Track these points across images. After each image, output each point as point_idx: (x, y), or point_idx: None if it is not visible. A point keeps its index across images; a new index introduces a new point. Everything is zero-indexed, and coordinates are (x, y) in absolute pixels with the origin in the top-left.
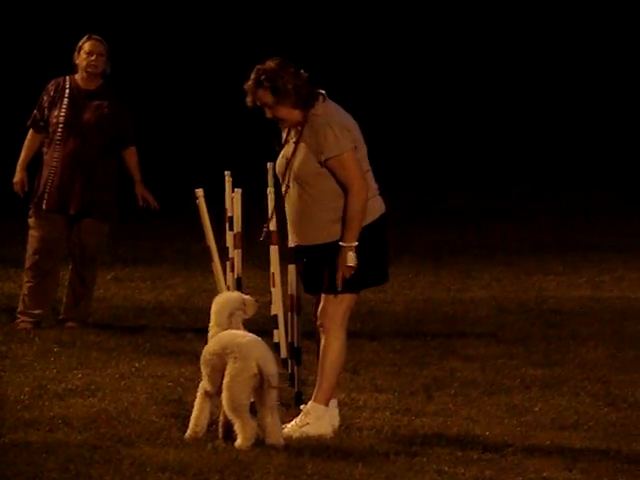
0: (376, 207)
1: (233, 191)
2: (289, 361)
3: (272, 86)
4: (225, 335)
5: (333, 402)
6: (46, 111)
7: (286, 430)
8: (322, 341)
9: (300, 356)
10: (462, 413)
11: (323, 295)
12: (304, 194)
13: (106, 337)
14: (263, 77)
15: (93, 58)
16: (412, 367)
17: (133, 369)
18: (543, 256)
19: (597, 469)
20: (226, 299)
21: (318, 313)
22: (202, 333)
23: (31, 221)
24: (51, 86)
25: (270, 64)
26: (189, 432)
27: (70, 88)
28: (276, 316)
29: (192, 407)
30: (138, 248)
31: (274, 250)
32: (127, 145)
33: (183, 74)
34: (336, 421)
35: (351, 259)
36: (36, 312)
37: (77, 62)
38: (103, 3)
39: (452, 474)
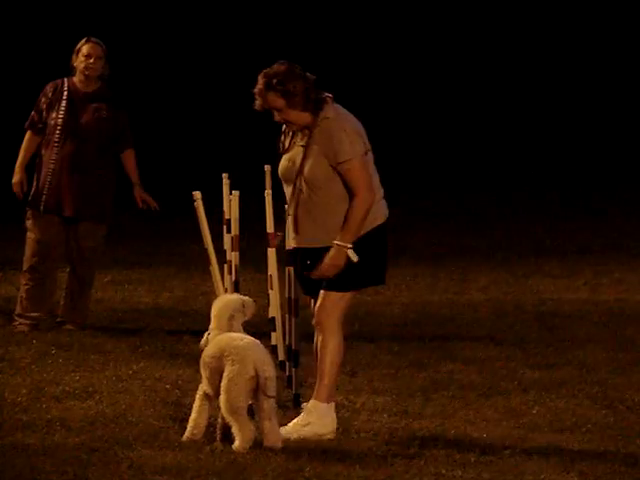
0: (382, 210)
1: (231, 193)
2: (287, 363)
3: (283, 90)
4: (223, 338)
5: (331, 404)
6: (44, 113)
7: (288, 429)
8: (319, 339)
9: (298, 358)
10: (460, 415)
11: (322, 292)
12: (314, 197)
13: (104, 339)
14: (275, 81)
15: (91, 61)
16: (410, 369)
17: (131, 371)
18: (541, 258)
19: (595, 471)
20: (226, 302)
21: (315, 311)
22: (200, 335)
23: (29, 223)
24: (49, 88)
25: (279, 68)
26: (187, 434)
27: (68, 90)
28: (274, 318)
29: (190, 409)
30: (136, 250)
31: (272, 252)
32: (125, 148)
33: (181, 77)
34: (334, 424)
35: (352, 255)
36: (34, 314)
37: (75, 64)
38: (101, 6)
39: (450, 476)
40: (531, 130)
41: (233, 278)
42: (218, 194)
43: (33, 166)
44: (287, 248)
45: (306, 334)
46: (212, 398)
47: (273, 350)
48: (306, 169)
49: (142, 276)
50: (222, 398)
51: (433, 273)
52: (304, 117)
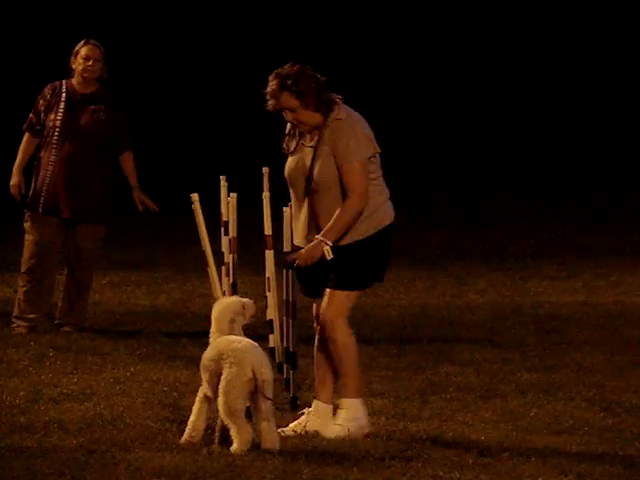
0: (389, 212)
1: (228, 196)
2: (284, 366)
3: (297, 90)
4: (222, 341)
5: (328, 407)
6: (42, 115)
7: (335, 430)
8: (329, 340)
9: (296, 361)
10: (458, 418)
11: (329, 291)
12: (324, 198)
13: (101, 342)
14: (289, 82)
15: (90, 63)
16: (408, 372)
17: (128, 373)
18: (538, 261)
19: (593, 474)
20: (226, 305)
21: (321, 310)
22: (198, 338)
23: (27, 225)
24: (47, 90)
25: (292, 69)
26: (185, 436)
27: (67, 92)
28: (271, 321)
29: (188, 412)
30: (133, 253)
31: (269, 255)
32: (123, 150)
33: (180, 80)
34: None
35: (328, 252)
36: (31, 316)
37: (74, 67)
38: (100, 9)
39: (447, 479)
40: (529, 133)
41: (231, 280)
42: (216, 196)
43: (31, 168)
44: (292, 248)
45: (304, 336)
46: (212, 401)
47: (271, 352)
48: (316, 170)
49: (140, 278)
50: (220, 400)
51: (431, 276)
52: (316, 118)
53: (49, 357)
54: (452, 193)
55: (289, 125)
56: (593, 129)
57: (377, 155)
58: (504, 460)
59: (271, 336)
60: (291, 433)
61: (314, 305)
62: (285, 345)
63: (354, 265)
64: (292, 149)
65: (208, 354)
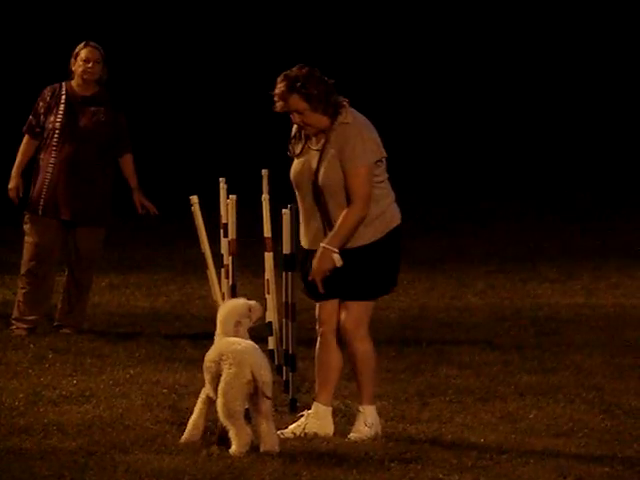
0: (396, 213)
1: (228, 198)
2: (284, 368)
3: (306, 93)
4: (222, 342)
5: (328, 410)
6: (42, 117)
7: (358, 435)
8: (350, 351)
9: (295, 363)
10: (457, 420)
11: (348, 303)
12: (331, 201)
13: (101, 344)
14: (298, 84)
15: (90, 65)
16: (407, 374)
17: (128, 376)
18: (538, 263)
19: (592, 476)
20: (232, 307)
21: (341, 322)
22: (197, 340)
23: (26, 227)
24: (47, 92)
25: (300, 71)
26: (185, 435)
27: (66, 94)
28: (271, 323)
29: (187, 414)
30: (133, 255)
31: (268, 257)
32: (123, 152)
33: (179, 82)
34: (331, 428)
35: (337, 260)
36: (31, 318)
37: (73, 69)
38: (99, 11)
39: None
40: (528, 136)
41: (230, 282)
42: (215, 198)
43: (31, 170)
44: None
45: (303, 339)
46: (214, 402)
47: (270, 354)
48: (322, 173)
49: (139, 280)
50: (219, 402)
51: (430, 278)
52: (323, 121)
53: (48, 359)
54: (452, 195)
55: (295, 128)
56: (593, 132)
57: (383, 159)
58: (503, 462)
59: (270, 338)
60: (290, 435)
61: (317, 307)
62: (284, 347)
63: (368, 273)
64: (298, 152)
65: (210, 355)
